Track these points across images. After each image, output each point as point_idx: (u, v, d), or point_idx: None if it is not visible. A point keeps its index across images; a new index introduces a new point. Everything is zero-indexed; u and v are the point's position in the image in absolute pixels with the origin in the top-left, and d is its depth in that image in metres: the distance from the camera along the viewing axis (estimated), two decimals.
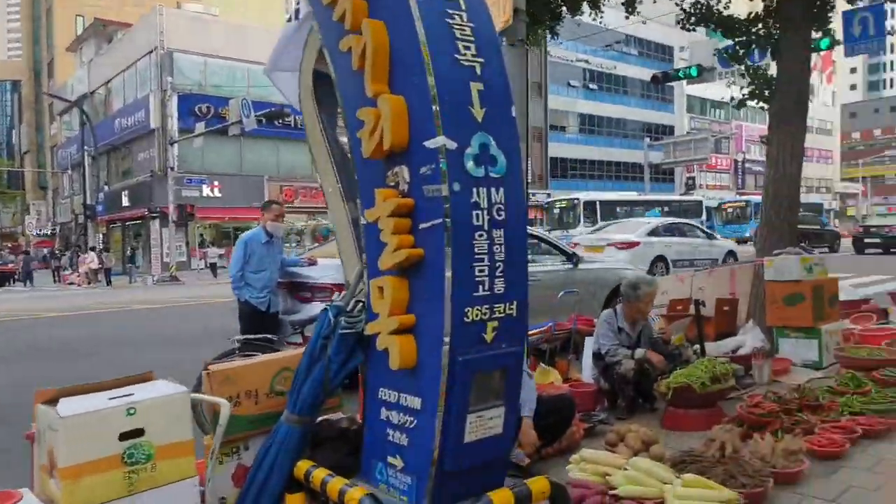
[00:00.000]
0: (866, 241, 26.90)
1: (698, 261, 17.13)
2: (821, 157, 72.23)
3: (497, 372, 2.21)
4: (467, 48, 2.22)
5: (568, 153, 49.00)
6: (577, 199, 33.49)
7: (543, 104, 47.55)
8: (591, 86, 49.60)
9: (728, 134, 56.67)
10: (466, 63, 2.21)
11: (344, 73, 2.42)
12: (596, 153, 50.70)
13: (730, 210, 42.66)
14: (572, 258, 8.03)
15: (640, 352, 4.69)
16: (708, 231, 20.74)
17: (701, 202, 40.37)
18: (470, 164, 2.14)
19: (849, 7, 7.81)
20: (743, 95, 6.98)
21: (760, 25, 6.80)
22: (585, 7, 7.26)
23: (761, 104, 6.69)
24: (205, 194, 32.88)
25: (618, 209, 34.97)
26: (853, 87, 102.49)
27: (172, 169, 29.82)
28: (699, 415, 4.25)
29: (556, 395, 3.94)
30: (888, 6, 8.60)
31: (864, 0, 7.97)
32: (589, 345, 5.39)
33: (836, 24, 11.05)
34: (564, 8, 6.97)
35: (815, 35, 10.51)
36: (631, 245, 16.29)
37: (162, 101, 32.41)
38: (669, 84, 54.98)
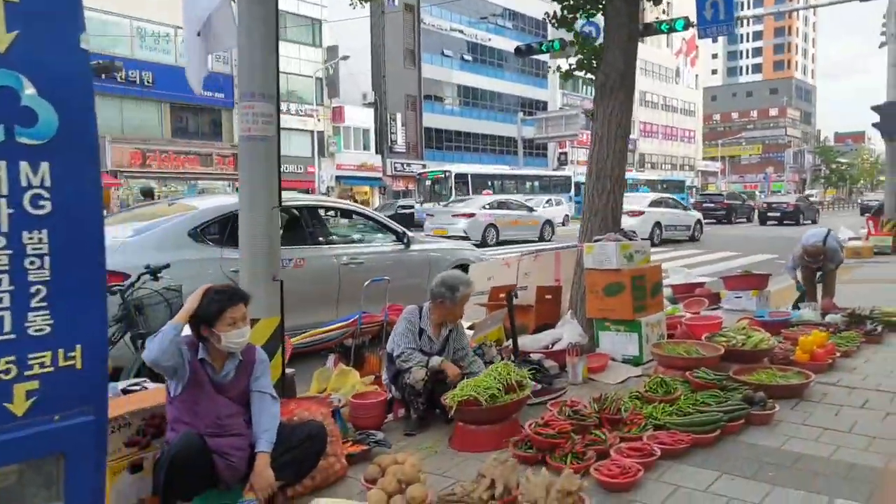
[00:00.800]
0: (769, 214, 33.17)
1: (680, 226, 21.80)
2: (685, 136, 76.04)
3: (47, 461, 1.39)
4: None
5: (444, 124, 48.50)
6: (449, 171, 33.08)
7: (417, 72, 46.62)
8: (466, 57, 49.15)
9: None
10: None
11: None
12: (472, 125, 50.55)
13: None
14: (403, 238, 7.30)
15: (435, 360, 4.02)
16: (684, 204, 25.45)
17: (570, 177, 41.21)
18: None
19: None
20: (570, 66, 6.43)
21: None
22: None
23: (588, 75, 6.16)
24: None
25: (489, 183, 34.92)
26: (714, 71, 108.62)
27: None
28: (490, 432, 3.63)
29: (303, 421, 3.17)
30: None
31: None
32: None
33: (692, 8, 11.08)
34: None
35: (663, 17, 10.32)
36: (639, 213, 19.67)
37: None
38: (544, 59, 55.75)
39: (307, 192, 38.10)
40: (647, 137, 68.96)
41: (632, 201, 19.64)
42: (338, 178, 42.32)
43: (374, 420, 4.12)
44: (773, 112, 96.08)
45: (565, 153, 54.65)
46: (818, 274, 7.33)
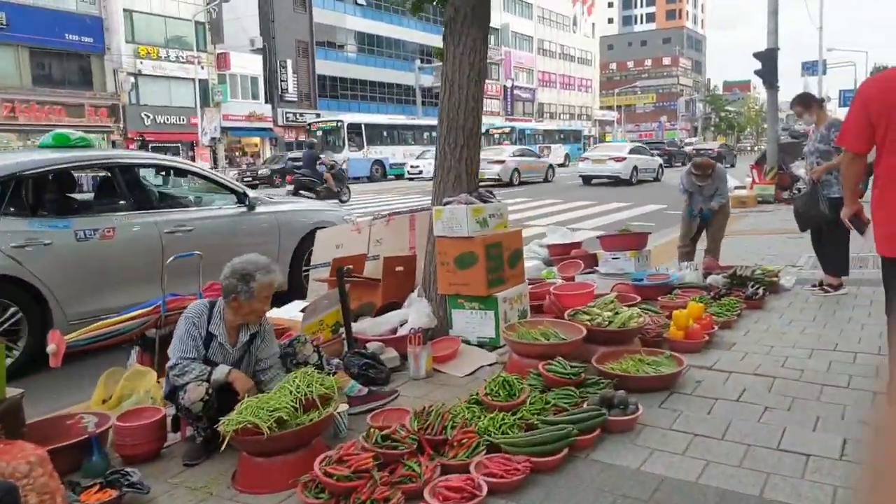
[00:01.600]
0: (695, 159, 34.88)
1: (649, 169, 25.44)
2: (582, 86, 76.66)
3: None
4: None
5: (339, 72, 46.42)
6: (342, 121, 31.63)
7: (308, 16, 44.15)
8: (360, 1, 46.94)
9: (497, 60, 57.45)
10: None
11: None
12: (370, 73, 48.69)
13: (497, 136, 43.39)
14: (244, 199, 6.26)
15: (220, 371, 3.10)
16: (650, 151, 28.52)
17: None
18: None
19: None
20: None
21: None
22: None
23: (438, 4, 5.24)
24: None
25: (384, 133, 33.69)
26: (610, 20, 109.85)
27: None
28: (285, 465, 2.77)
29: None
30: None
31: None
32: None
33: None
34: None
35: None
36: (622, 159, 23.99)
37: None
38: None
39: (174, 147, 35.58)
40: (546, 87, 69.02)
41: (616, 149, 25.78)
42: (224, 129, 39.82)
43: (148, 447, 3.18)
44: (667, 61, 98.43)
45: None
46: (703, 230, 6.88)
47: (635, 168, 24.19)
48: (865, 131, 3.04)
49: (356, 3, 46.86)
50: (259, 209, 6.41)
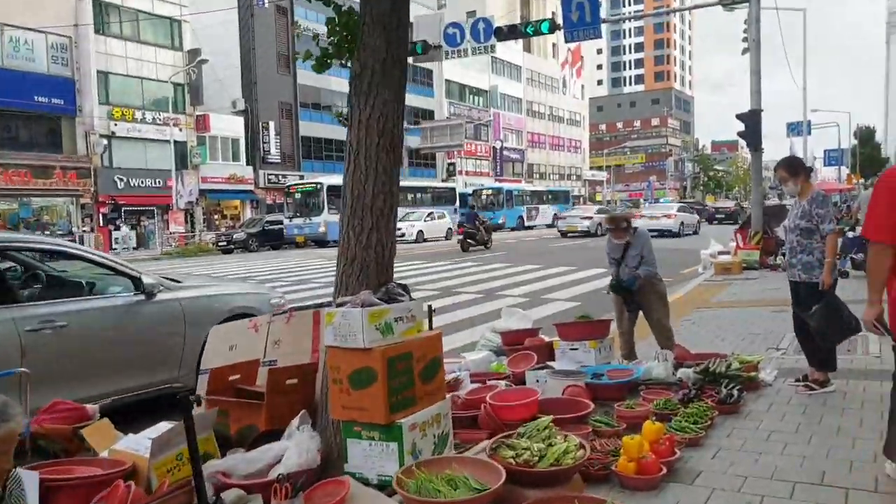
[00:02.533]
0: (716, 216, 42.26)
1: (691, 224, 31.01)
2: (571, 146, 77.16)
3: None
4: None
5: (324, 133, 46.26)
6: (321, 183, 31.08)
7: (292, 78, 44.22)
8: (347, 63, 47.05)
9: (486, 121, 57.73)
10: None
11: None
12: None
13: (484, 197, 43.03)
14: (140, 285, 5.36)
15: None
16: (691, 209, 34.54)
17: (454, 189, 40.18)
18: None
19: None
20: (322, 49, 4.73)
21: None
22: None
23: (345, 63, 4.49)
24: None
25: None
26: (600, 82, 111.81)
27: None
28: None
29: None
30: None
31: None
32: None
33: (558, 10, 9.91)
34: None
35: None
36: (673, 216, 29.75)
37: None
38: (430, 68, 54.63)
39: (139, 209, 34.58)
40: (536, 147, 69.37)
41: (667, 209, 32.07)
42: (203, 191, 39.18)
43: None
44: (655, 122, 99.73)
45: (453, 164, 53.76)
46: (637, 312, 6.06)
47: (682, 223, 29.87)
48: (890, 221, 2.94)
49: (342, 65, 46.85)
50: (161, 296, 5.50)
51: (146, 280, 5.39)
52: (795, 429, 4.15)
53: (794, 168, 5.05)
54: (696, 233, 30.54)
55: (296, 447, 3.36)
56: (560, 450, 3.14)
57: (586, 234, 30.18)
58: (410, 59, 19.14)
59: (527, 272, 16.02)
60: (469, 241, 23.60)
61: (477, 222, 24.45)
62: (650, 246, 5.86)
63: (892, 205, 2.94)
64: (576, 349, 5.48)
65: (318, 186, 30.89)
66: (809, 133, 41.19)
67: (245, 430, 3.98)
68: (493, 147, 60.35)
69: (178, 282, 5.96)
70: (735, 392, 4.62)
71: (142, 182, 35.75)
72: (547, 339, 5.95)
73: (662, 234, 27.76)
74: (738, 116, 15.24)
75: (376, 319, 3.41)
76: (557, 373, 4.96)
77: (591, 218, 30.84)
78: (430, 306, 6.49)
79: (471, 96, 59.22)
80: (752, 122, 14.98)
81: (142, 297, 5.34)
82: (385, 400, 3.35)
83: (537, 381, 5.11)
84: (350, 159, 3.88)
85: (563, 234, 30.72)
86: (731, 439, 4.02)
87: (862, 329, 4.78)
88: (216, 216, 41.27)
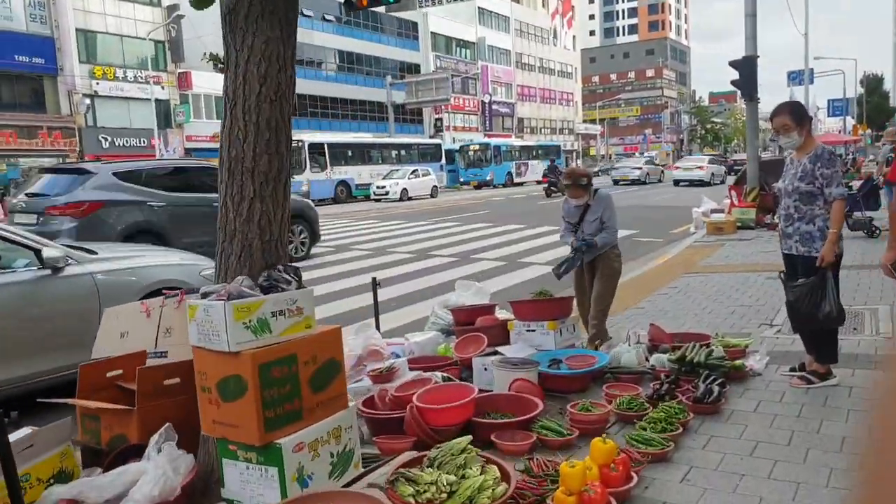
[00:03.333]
0: (734, 168, 37.57)
1: (719, 175, 33.80)
2: (563, 99, 75.56)
3: None
4: None
5: (308, 89, 44.84)
6: (301, 140, 29.99)
7: None
8: (329, 17, 45.47)
9: (473, 74, 56.22)
10: None
11: None
12: (340, 90, 47.14)
13: (471, 153, 41.96)
14: (42, 258, 4.64)
15: None
16: (720, 161, 38.86)
17: (440, 146, 39.09)
18: None
19: None
20: None
21: None
22: None
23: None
24: None
25: (349, 152, 32.11)
26: (592, 32, 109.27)
27: None
28: None
29: None
30: None
31: None
32: None
33: None
34: None
35: None
36: (703, 168, 32.94)
37: None
38: (415, 20, 52.89)
39: None
40: (526, 101, 67.82)
41: (699, 161, 35.40)
42: (188, 150, 38.17)
43: None
44: (650, 73, 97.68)
45: (441, 119, 52.47)
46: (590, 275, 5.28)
47: (712, 173, 32.74)
48: None
49: (324, 19, 45.37)
50: (70, 270, 4.80)
51: (48, 253, 4.67)
52: (788, 440, 3.38)
53: (800, 115, 4.17)
54: (723, 182, 31.91)
55: (152, 472, 2.66)
56: (474, 485, 2.41)
57: (701, 182, 31.83)
58: (382, 9, 18.01)
59: (508, 233, 15.27)
60: (552, 188, 27.69)
61: (556, 173, 28.42)
62: (613, 211, 5.09)
63: None
64: (533, 331, 4.75)
65: (299, 144, 29.83)
66: (812, 82, 39.92)
67: (116, 440, 3.27)
68: (482, 101, 58.92)
69: (94, 253, 5.26)
70: (715, 388, 3.88)
71: (126, 141, 35.06)
72: (503, 317, 5.21)
73: (693, 183, 31.68)
74: (732, 63, 14.28)
75: (245, 315, 2.66)
76: (506, 361, 4.23)
77: (704, 168, 33.23)
78: (373, 279, 5.75)
79: (458, 49, 57.52)
80: (746, 70, 14.02)
81: (46, 272, 4.64)
82: (258, 415, 2.62)
83: (485, 368, 4.40)
84: (226, 113, 3.07)
85: (676, 183, 33.27)
86: (707, 452, 3.29)
87: (842, 322, 4.06)
88: None
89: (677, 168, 35.41)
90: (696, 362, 4.20)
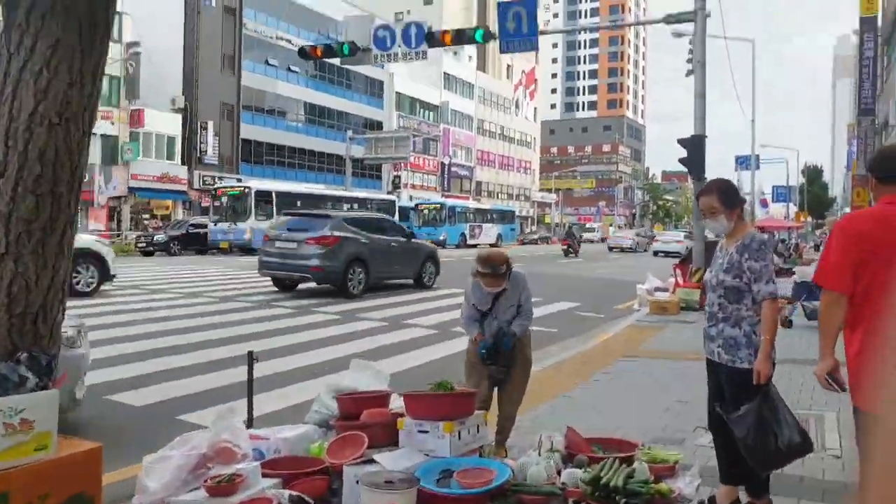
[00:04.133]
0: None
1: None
2: (521, 167, 76.51)
3: None
4: None
5: (266, 137, 44.26)
6: (249, 187, 29.14)
7: (237, 79, 42.21)
8: (294, 68, 45.25)
9: (434, 136, 56.50)
10: None
11: None
12: (300, 141, 46.69)
13: (426, 211, 41.54)
14: None
15: None
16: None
17: (394, 202, 38.54)
18: None
19: None
20: None
21: None
22: None
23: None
24: None
25: (299, 202, 31.21)
26: (553, 106, 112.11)
27: None
28: None
29: None
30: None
31: None
32: None
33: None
34: None
35: None
36: (681, 242, 33.23)
37: None
38: (381, 79, 53.10)
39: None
40: (485, 166, 68.37)
41: (675, 235, 39.17)
42: (133, 189, 36.88)
43: None
44: (606, 148, 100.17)
45: (399, 176, 52.21)
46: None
47: (687, 247, 36.41)
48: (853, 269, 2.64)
49: (289, 69, 45.17)
50: None
51: None
52: None
53: (729, 196, 3.50)
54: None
55: None
56: None
57: (678, 255, 34.40)
58: (337, 60, 17.57)
59: (450, 297, 14.46)
60: (569, 250, 32.21)
61: (573, 238, 33.60)
62: (529, 292, 4.42)
63: (847, 250, 2.70)
64: (425, 431, 3.92)
65: (246, 190, 28.95)
66: (758, 167, 41.10)
67: None
68: (442, 162, 59.07)
69: None
70: None
71: None
72: (399, 409, 4.36)
73: (669, 254, 33.30)
74: (680, 142, 14.09)
75: None
76: (374, 477, 3.37)
77: (682, 242, 34.30)
78: (250, 353, 4.88)
79: (422, 110, 57.89)
80: (694, 149, 13.82)
81: None
82: None
83: (357, 482, 3.54)
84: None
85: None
86: None
87: (812, 449, 3.36)
88: (146, 216, 38.84)
89: (657, 241, 40.54)
90: (612, 486, 3.41)
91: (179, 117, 39.14)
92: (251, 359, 4.70)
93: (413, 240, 16.05)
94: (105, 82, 34.43)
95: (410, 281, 15.74)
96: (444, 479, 3.62)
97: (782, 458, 3.18)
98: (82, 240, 11.98)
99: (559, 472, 3.92)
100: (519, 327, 4.33)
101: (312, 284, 14.11)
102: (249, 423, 4.76)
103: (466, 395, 4.16)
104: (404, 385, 4.78)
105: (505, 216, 47.29)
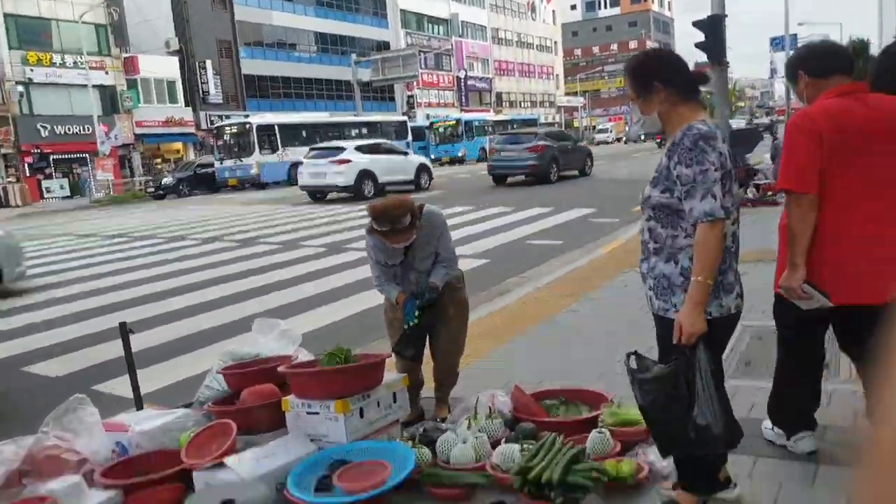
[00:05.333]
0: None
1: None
2: (543, 73, 73.49)
3: None
4: None
5: (268, 70, 42.73)
6: (249, 123, 28.09)
7: (229, 14, 40.46)
8: None
9: (446, 50, 54.10)
10: None
11: None
12: (302, 70, 45.00)
13: (442, 129, 40.06)
14: None
15: None
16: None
17: (405, 122, 37.05)
18: None
19: None
20: None
21: None
22: None
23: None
24: None
25: (303, 133, 30.06)
26: (573, 7, 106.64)
27: None
28: None
29: None
30: None
31: None
32: None
33: None
34: None
35: None
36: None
37: None
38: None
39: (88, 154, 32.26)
40: (504, 76, 65.64)
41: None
42: (140, 136, 36.20)
43: None
44: (633, 45, 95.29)
45: (413, 96, 50.38)
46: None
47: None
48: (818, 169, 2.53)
49: None
50: None
51: None
52: None
53: (640, 79, 2.31)
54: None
55: None
56: None
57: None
58: None
59: (450, 216, 13.41)
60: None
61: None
62: (448, 234, 3.56)
63: (811, 151, 2.51)
64: (315, 413, 2.98)
65: (247, 126, 27.90)
66: (794, 47, 38.09)
67: None
68: (457, 77, 56.78)
69: None
70: None
71: (68, 129, 33.36)
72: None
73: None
74: (696, 24, 12.48)
75: None
76: (208, 497, 2.46)
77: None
78: (121, 324, 3.97)
79: (430, 25, 55.25)
80: (713, 31, 12.24)
81: None
82: None
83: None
84: None
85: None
86: None
87: (734, 444, 2.32)
88: (157, 161, 38.32)
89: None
90: (543, 482, 2.43)
91: (176, 60, 37.85)
92: (124, 330, 3.79)
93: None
94: (91, 31, 33.31)
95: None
96: (324, 481, 2.70)
97: (690, 444, 2.14)
98: None
99: (499, 444, 3.00)
100: (441, 278, 3.43)
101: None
102: (139, 404, 3.90)
103: (371, 364, 3.18)
104: (330, 343, 3.78)
105: (527, 124, 45.35)
